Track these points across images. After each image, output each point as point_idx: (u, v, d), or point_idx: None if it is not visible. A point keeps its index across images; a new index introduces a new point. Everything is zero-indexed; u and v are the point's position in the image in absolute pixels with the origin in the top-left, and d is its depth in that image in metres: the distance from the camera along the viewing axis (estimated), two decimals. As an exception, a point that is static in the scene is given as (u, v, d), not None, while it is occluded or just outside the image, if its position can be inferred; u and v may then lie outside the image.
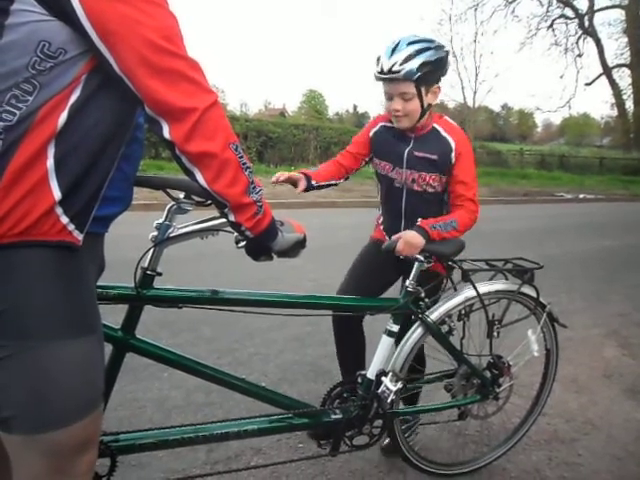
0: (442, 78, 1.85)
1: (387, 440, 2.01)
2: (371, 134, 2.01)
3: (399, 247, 1.76)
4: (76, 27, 0.82)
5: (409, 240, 1.76)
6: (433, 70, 1.77)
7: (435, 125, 1.90)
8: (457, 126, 1.94)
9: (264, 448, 2.13)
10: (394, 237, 1.80)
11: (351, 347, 2.08)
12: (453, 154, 1.86)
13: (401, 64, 1.72)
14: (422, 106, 1.81)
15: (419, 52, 1.73)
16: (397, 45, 1.75)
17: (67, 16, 0.81)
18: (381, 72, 1.76)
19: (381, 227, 2.11)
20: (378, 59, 1.78)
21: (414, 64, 1.72)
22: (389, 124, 1.96)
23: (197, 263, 4.49)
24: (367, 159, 2.04)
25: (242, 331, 3.30)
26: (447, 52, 1.82)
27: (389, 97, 1.84)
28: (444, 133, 1.89)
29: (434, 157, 1.87)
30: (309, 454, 1.96)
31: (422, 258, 1.77)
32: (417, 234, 1.77)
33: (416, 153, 1.89)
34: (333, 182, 2.02)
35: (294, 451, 2.12)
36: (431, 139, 1.89)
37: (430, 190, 1.92)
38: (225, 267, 4.40)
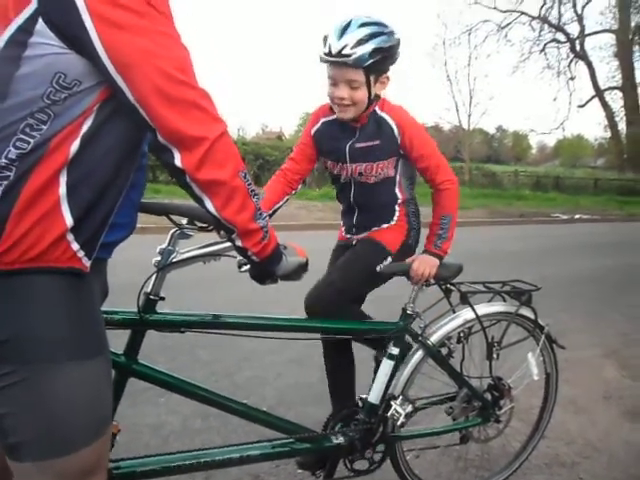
0: (391, 68, 1.73)
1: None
2: (312, 132, 1.89)
3: (416, 267, 1.75)
4: (93, 60, 0.85)
5: (424, 259, 1.78)
6: (385, 58, 1.64)
7: (375, 109, 1.77)
8: (395, 105, 1.81)
9: (262, 474, 2.11)
10: (407, 260, 1.81)
11: (342, 371, 2.03)
12: (396, 132, 1.75)
13: (352, 47, 1.57)
14: (369, 96, 1.68)
15: (372, 36, 1.58)
16: (348, 25, 1.59)
17: (85, 49, 0.84)
18: (329, 54, 1.60)
19: (342, 227, 2.06)
20: (325, 38, 1.62)
21: (366, 49, 1.58)
22: (330, 118, 1.85)
23: (195, 286, 4.48)
24: (318, 157, 1.93)
25: (239, 354, 3.28)
26: (399, 40, 1.68)
27: (333, 82, 1.69)
28: (380, 113, 1.76)
29: (377, 142, 1.76)
30: (308, 480, 1.94)
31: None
32: (428, 256, 1.80)
33: (358, 145, 1.78)
34: (285, 199, 1.90)
35: (292, 477, 2.10)
36: (370, 125, 1.77)
37: (380, 179, 1.84)
38: (222, 290, 4.40)
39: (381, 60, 1.63)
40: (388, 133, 1.77)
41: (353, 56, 1.58)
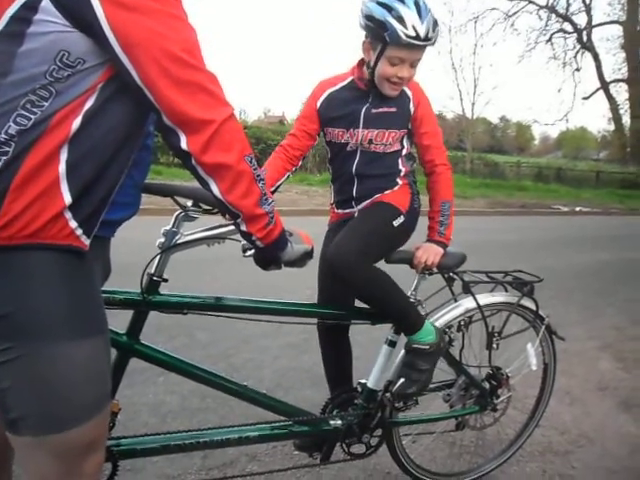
0: None
1: None
2: (318, 105, 1.85)
3: (419, 255, 1.76)
4: (98, 39, 0.84)
5: (429, 248, 1.78)
6: None
7: None
8: (414, 80, 1.82)
9: (259, 455, 2.13)
10: (412, 248, 1.80)
11: (339, 357, 2.05)
12: (412, 103, 1.79)
13: (433, 31, 1.63)
14: None
15: (433, 16, 1.63)
16: (419, 6, 1.60)
17: (90, 29, 0.83)
18: (416, 37, 1.60)
19: (334, 207, 2.01)
20: (401, 19, 1.57)
21: (437, 31, 1.66)
22: (338, 87, 1.85)
23: (195, 268, 4.48)
24: (320, 133, 1.91)
25: (237, 337, 3.30)
26: None
27: (398, 63, 1.67)
28: None
29: (393, 109, 1.77)
30: (304, 462, 1.96)
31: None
32: (433, 245, 1.80)
33: (374, 110, 1.78)
34: (286, 175, 1.89)
35: (289, 458, 2.12)
36: None
37: (387, 150, 1.83)
38: (223, 273, 4.40)
39: None
40: (404, 102, 1.79)
41: (434, 39, 1.65)
